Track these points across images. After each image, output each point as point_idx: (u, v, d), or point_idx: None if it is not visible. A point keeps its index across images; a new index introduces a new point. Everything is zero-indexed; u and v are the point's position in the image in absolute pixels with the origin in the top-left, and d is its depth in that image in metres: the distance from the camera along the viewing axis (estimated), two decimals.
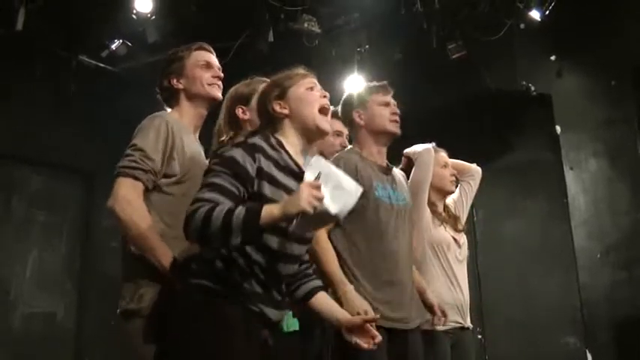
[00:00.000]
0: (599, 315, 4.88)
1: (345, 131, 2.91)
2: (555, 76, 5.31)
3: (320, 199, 1.61)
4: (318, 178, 1.67)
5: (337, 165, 2.40)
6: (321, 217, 1.69)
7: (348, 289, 2.27)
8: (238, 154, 1.74)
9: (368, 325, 1.96)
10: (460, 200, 3.24)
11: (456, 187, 3.25)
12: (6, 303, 5.17)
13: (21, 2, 4.47)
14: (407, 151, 3.06)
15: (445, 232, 3.00)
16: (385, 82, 2.67)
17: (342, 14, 5.00)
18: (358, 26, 4.99)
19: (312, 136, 1.93)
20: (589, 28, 5.08)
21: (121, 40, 5.09)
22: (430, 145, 3.04)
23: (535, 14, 4.84)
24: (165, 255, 1.98)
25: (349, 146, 2.73)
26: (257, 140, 1.82)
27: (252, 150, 1.76)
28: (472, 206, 5.56)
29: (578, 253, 5.05)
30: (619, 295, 4.79)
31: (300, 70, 2.01)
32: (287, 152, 1.86)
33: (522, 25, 4.93)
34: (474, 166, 3.34)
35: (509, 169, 5.73)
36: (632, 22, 4.98)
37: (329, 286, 2.27)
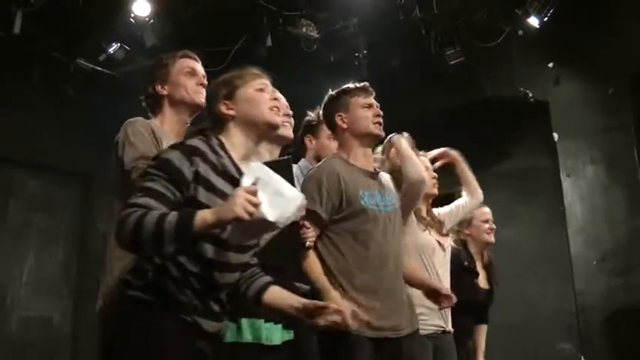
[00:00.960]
0: (594, 321, 4.89)
1: None
2: (553, 84, 5.33)
3: (256, 205, 1.54)
4: (255, 183, 1.60)
5: (319, 176, 2.42)
6: (258, 225, 1.61)
7: (333, 295, 2.24)
8: (175, 156, 1.68)
9: (322, 306, 1.83)
10: (453, 213, 3.25)
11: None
12: (3, 307, 5.16)
13: (18, 6, 4.47)
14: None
15: (430, 237, 3.01)
16: (366, 84, 2.62)
17: (341, 19, 4.99)
18: (357, 31, 4.99)
19: (262, 133, 1.86)
20: (587, 36, 5.10)
21: (119, 44, 5.08)
22: (403, 135, 2.99)
23: (533, 21, 4.85)
24: None
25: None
26: (196, 142, 1.74)
27: (191, 153, 1.69)
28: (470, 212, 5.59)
29: (575, 260, 5.06)
30: (615, 301, 4.81)
31: (253, 70, 1.93)
32: (229, 156, 1.78)
33: (520, 32, 4.95)
34: (478, 188, 3.35)
35: (507, 175, 5.74)
36: (630, 30, 5.00)
37: (316, 295, 2.25)
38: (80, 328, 5.50)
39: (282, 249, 2.07)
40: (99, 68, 5.42)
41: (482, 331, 3.52)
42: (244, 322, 2.16)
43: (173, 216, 1.56)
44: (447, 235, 3.16)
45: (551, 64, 5.33)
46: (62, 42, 5.25)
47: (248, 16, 4.88)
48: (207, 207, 1.63)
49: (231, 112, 1.83)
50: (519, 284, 5.47)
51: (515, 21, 4.85)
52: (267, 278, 1.93)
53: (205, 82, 2.32)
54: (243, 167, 1.76)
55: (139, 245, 1.59)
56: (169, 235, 1.54)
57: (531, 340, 5.31)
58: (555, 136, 5.28)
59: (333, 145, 2.87)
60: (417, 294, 2.72)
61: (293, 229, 2.19)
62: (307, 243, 2.30)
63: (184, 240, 1.57)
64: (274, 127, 1.88)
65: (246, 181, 1.63)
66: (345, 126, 2.53)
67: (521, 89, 5.24)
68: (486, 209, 3.43)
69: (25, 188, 5.52)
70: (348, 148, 2.55)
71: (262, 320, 2.18)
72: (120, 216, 1.60)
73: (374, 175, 2.57)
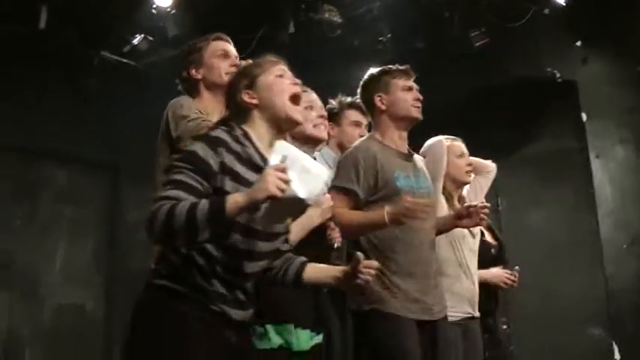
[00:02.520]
0: (625, 306, 4.82)
1: (364, 121, 2.89)
2: (581, 63, 5.21)
3: (287, 182, 1.53)
4: (283, 161, 1.59)
5: (356, 155, 2.43)
6: (290, 204, 1.61)
7: (385, 210, 2.23)
8: (199, 148, 1.67)
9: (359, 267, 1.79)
10: (473, 193, 3.22)
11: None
12: (37, 296, 5.28)
13: (43, 1, 4.51)
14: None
15: None
16: (408, 66, 2.61)
17: (363, 3, 4.93)
18: (379, 15, 4.94)
19: (282, 126, 1.84)
20: (614, 14, 4.97)
21: (142, 35, 5.11)
22: (441, 137, 3.01)
23: None
24: None
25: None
26: (219, 133, 1.73)
27: (215, 143, 1.68)
28: (497, 196, 5.56)
29: (604, 244, 4.98)
30: None
31: (270, 57, 1.92)
32: (253, 145, 1.77)
33: (547, 11, 4.86)
34: (489, 162, 3.33)
35: (535, 157, 5.66)
36: None
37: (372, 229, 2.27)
38: (112, 314, 5.61)
39: (311, 251, 2.05)
40: (123, 60, 5.47)
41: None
42: (270, 328, 2.14)
43: (204, 203, 1.56)
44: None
45: (578, 43, 5.21)
46: (85, 35, 5.30)
47: (270, 2, 4.87)
48: None
49: (254, 101, 1.81)
50: (548, 268, 5.42)
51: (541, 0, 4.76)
52: (302, 258, 1.93)
53: (239, 63, 2.31)
54: (268, 155, 1.75)
55: (172, 237, 1.59)
56: (202, 222, 1.54)
57: (560, 325, 5.26)
58: (584, 116, 5.19)
59: (357, 131, 2.86)
60: (444, 280, 2.74)
61: (320, 230, 2.21)
62: (335, 244, 2.29)
63: (218, 226, 1.57)
64: (294, 123, 1.85)
65: (274, 160, 1.62)
66: (383, 107, 2.53)
67: (548, 69, 5.15)
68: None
69: (54, 180, 5.61)
70: (384, 130, 2.55)
71: (292, 325, 2.17)
72: (150, 211, 1.60)
73: (409, 158, 2.56)
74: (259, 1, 4.87)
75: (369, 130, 2.78)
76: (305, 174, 1.63)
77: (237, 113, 1.84)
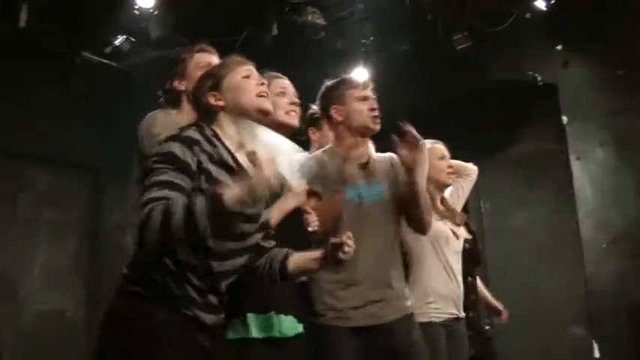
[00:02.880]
0: (605, 305, 4.88)
1: None
2: (561, 66, 5.27)
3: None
4: (270, 150, 1.64)
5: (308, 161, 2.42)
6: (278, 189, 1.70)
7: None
8: (176, 148, 1.65)
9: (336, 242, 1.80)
10: (455, 195, 3.24)
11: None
12: (16, 301, 5.19)
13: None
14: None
15: (444, 226, 3.00)
16: (365, 79, 2.67)
17: (347, 6, 4.95)
18: (363, 18, 4.95)
19: (253, 120, 1.83)
20: (594, 18, 5.04)
21: (124, 36, 5.07)
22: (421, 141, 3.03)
23: (540, 4, 4.81)
24: None
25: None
26: (192, 133, 1.71)
27: (190, 143, 1.67)
28: (479, 198, 5.61)
29: (585, 244, 5.04)
30: (625, 285, 4.80)
31: (236, 58, 1.91)
32: (223, 145, 1.76)
33: (528, 15, 4.91)
34: (470, 165, 3.33)
35: (516, 160, 5.72)
36: (638, 10, 4.94)
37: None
38: (94, 320, 5.52)
39: (290, 237, 2.05)
40: (105, 61, 5.42)
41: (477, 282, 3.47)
42: (251, 317, 2.08)
43: (200, 198, 1.54)
44: (460, 224, 3.14)
45: (559, 47, 5.28)
46: (67, 35, 5.24)
47: (253, 4, 4.85)
48: None
49: (220, 103, 1.81)
50: (530, 268, 5.48)
51: (523, 4, 4.81)
52: (284, 250, 1.93)
53: None
54: (239, 157, 1.75)
55: (171, 235, 1.55)
56: (202, 216, 1.52)
57: (543, 325, 5.32)
58: (564, 119, 5.25)
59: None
60: (428, 282, 2.76)
61: (297, 216, 2.20)
62: (311, 228, 2.27)
63: (218, 218, 1.55)
64: (265, 112, 1.84)
65: (258, 148, 1.65)
66: (339, 118, 2.52)
67: (530, 73, 5.20)
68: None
69: (35, 183, 5.53)
70: (341, 140, 2.55)
71: (273, 312, 2.13)
72: (141, 215, 1.56)
73: (364, 165, 2.54)
74: (242, 3, 4.85)
75: None
76: (283, 155, 1.66)
77: (204, 115, 1.83)
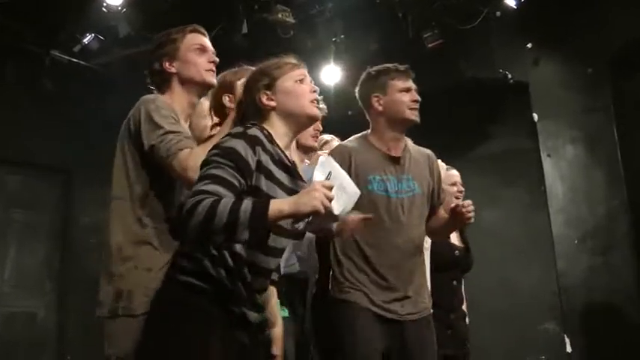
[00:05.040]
0: (576, 301, 4.93)
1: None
2: (532, 64, 5.31)
3: (330, 200, 1.57)
4: (328, 177, 1.67)
5: (332, 153, 2.36)
6: (326, 217, 1.68)
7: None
8: (240, 145, 1.66)
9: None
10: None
11: None
12: None
13: None
14: None
15: None
16: (407, 66, 2.58)
17: (316, 4, 4.94)
18: (333, 16, 4.94)
19: (301, 125, 1.86)
20: (565, 16, 5.08)
21: (93, 35, 5.00)
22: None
23: (510, 2, 4.83)
24: None
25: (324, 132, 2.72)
26: (256, 132, 1.72)
27: (254, 142, 1.68)
28: None
29: (556, 240, 5.08)
30: (596, 281, 4.85)
31: (291, 60, 1.90)
32: (278, 146, 1.79)
33: (498, 13, 4.93)
34: (453, 172, 3.35)
35: (488, 158, 5.76)
36: (608, 9, 4.98)
37: None
38: (65, 322, 5.48)
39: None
40: (74, 60, 5.35)
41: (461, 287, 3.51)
42: None
43: (247, 204, 1.55)
44: None
45: (529, 45, 5.31)
46: (36, 34, 5.17)
47: (223, 3, 4.82)
48: (268, 195, 1.66)
49: (272, 103, 1.81)
50: (503, 266, 5.52)
51: (493, 2, 4.83)
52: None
53: (216, 59, 2.20)
54: (289, 155, 1.81)
55: (210, 232, 1.55)
56: (244, 223, 1.53)
57: (515, 321, 5.36)
58: (535, 116, 5.29)
59: (309, 127, 2.84)
60: None
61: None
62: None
63: (258, 229, 1.56)
64: (314, 119, 1.88)
65: (318, 175, 1.71)
66: (380, 108, 2.49)
67: (501, 71, 5.23)
68: (454, 172, 3.29)
69: (5, 184, 5.46)
70: (378, 131, 2.51)
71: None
72: (188, 203, 1.55)
73: (396, 160, 2.50)
74: (212, 1, 4.82)
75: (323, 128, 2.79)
76: (340, 191, 1.71)
77: (254, 112, 1.84)
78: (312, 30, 5.07)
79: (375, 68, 2.56)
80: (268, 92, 1.82)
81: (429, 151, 2.68)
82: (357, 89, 2.61)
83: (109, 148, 2.22)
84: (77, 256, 5.56)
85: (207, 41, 2.24)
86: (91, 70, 5.46)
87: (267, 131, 1.78)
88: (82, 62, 5.38)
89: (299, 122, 1.84)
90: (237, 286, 1.70)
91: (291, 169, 1.74)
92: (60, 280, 5.60)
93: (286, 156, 1.80)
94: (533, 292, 5.42)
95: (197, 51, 2.17)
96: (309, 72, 1.92)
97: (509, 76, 5.23)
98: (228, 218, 1.52)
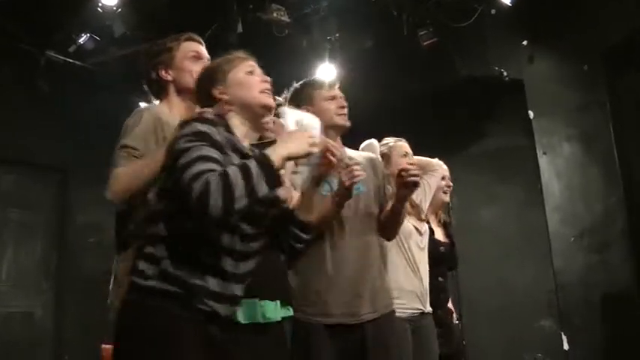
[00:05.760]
0: (573, 298, 4.93)
1: None
2: (527, 62, 5.31)
3: (314, 144, 1.72)
4: (300, 124, 1.83)
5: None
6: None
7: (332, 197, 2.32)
8: (204, 127, 1.68)
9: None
10: (422, 192, 3.24)
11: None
12: None
13: None
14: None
15: (407, 222, 3.00)
16: (331, 79, 2.69)
17: (311, 3, 4.94)
18: (328, 15, 4.94)
19: (255, 114, 1.88)
20: (560, 13, 5.07)
21: (88, 35, 5.00)
22: (372, 140, 3.05)
23: None
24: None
25: None
26: (210, 115, 1.77)
27: (213, 124, 1.71)
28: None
29: (553, 238, 5.08)
30: (593, 278, 4.84)
31: (240, 54, 1.96)
32: (233, 134, 1.81)
33: (493, 11, 4.93)
34: (435, 160, 3.35)
35: (484, 155, 5.76)
36: (603, 6, 4.97)
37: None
38: (63, 321, 5.49)
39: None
40: (70, 60, 5.35)
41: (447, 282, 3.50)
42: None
43: (249, 161, 1.62)
44: (424, 220, 3.16)
45: (525, 42, 5.31)
46: (31, 34, 5.17)
47: (218, 2, 4.82)
48: None
49: (225, 96, 1.86)
50: (499, 263, 5.53)
51: (487, 0, 4.82)
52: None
53: None
54: (246, 146, 1.83)
55: (233, 201, 1.56)
56: (259, 175, 1.59)
57: (512, 319, 5.37)
58: (531, 114, 5.28)
59: None
60: (392, 278, 2.74)
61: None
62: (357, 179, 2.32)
63: (271, 175, 1.62)
64: (268, 108, 1.89)
65: (290, 124, 1.87)
66: None
67: (496, 68, 5.23)
68: (444, 166, 3.34)
69: (0, 184, 5.45)
70: None
71: (257, 299, 2.08)
72: (194, 188, 1.55)
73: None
74: (207, 0, 4.82)
75: None
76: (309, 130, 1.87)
77: (209, 107, 1.87)
78: (307, 29, 5.07)
79: (300, 82, 2.65)
80: (220, 86, 1.87)
81: (371, 154, 2.77)
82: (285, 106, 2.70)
83: (105, 147, 2.25)
84: (74, 256, 5.56)
85: (202, 49, 2.29)
86: (87, 70, 5.47)
87: (224, 120, 1.81)
88: (77, 62, 5.39)
89: (253, 112, 1.87)
90: (205, 280, 1.66)
91: (247, 156, 1.72)
92: (57, 280, 5.60)
93: (241, 145, 1.80)
94: (529, 289, 5.42)
95: (193, 59, 2.23)
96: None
97: (505, 73, 5.23)
98: (244, 178, 1.56)
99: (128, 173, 1.97)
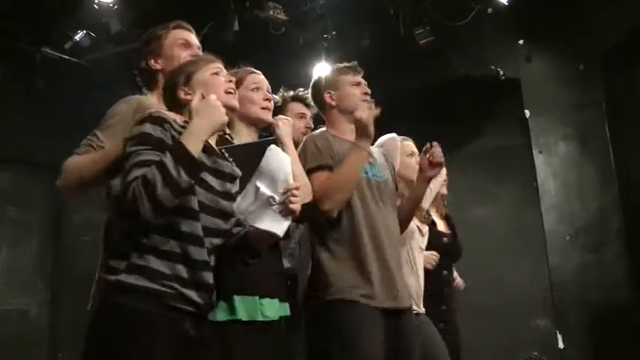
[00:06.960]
0: (568, 297, 4.95)
1: (309, 113, 2.89)
2: (524, 61, 5.32)
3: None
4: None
5: (313, 140, 2.49)
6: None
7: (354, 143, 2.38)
8: (147, 127, 1.70)
9: None
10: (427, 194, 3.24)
11: None
12: None
13: None
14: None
15: (411, 222, 3.00)
16: (355, 63, 2.69)
17: (308, 1, 4.94)
18: (324, 13, 4.94)
19: None
20: (556, 13, 5.09)
21: (84, 32, 4.99)
22: (393, 135, 3.03)
23: None
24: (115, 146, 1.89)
25: (316, 128, 2.72)
26: (160, 113, 1.76)
27: (160, 121, 1.72)
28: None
29: (548, 237, 5.10)
30: (588, 277, 4.86)
31: (206, 56, 1.99)
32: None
33: (490, 10, 4.92)
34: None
35: (480, 154, 5.77)
36: (600, 5, 4.99)
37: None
38: (58, 320, 5.48)
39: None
40: (66, 57, 5.33)
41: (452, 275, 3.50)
42: (237, 298, 2.05)
43: (164, 155, 1.62)
44: (425, 221, 3.17)
45: (521, 42, 5.32)
46: (27, 31, 5.14)
47: (214, 0, 4.81)
48: None
49: (189, 97, 1.84)
50: (494, 261, 5.53)
51: None
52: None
53: (200, 53, 2.21)
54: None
55: (161, 199, 1.59)
56: (174, 166, 1.60)
57: (507, 318, 5.38)
58: (527, 113, 5.30)
59: (301, 123, 2.85)
60: None
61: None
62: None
63: (187, 161, 1.63)
64: (231, 109, 1.91)
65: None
66: (333, 103, 2.60)
67: (493, 67, 5.24)
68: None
69: None
70: (336, 125, 2.59)
71: (257, 297, 2.11)
72: (127, 195, 1.59)
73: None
74: None
75: (314, 123, 2.82)
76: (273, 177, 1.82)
77: (176, 108, 1.87)
78: (304, 27, 5.06)
79: (325, 70, 2.76)
80: (185, 88, 1.87)
81: (377, 146, 2.80)
82: (309, 91, 2.74)
83: None
84: (69, 254, 5.55)
85: (191, 36, 2.26)
86: (83, 67, 5.44)
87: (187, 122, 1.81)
88: (73, 59, 5.36)
89: None
90: (175, 269, 1.67)
91: (206, 148, 1.74)
92: (52, 278, 5.60)
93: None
94: (525, 288, 5.43)
95: (181, 46, 2.20)
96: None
97: (501, 72, 5.24)
98: (161, 171, 1.59)
99: (78, 165, 1.97)
